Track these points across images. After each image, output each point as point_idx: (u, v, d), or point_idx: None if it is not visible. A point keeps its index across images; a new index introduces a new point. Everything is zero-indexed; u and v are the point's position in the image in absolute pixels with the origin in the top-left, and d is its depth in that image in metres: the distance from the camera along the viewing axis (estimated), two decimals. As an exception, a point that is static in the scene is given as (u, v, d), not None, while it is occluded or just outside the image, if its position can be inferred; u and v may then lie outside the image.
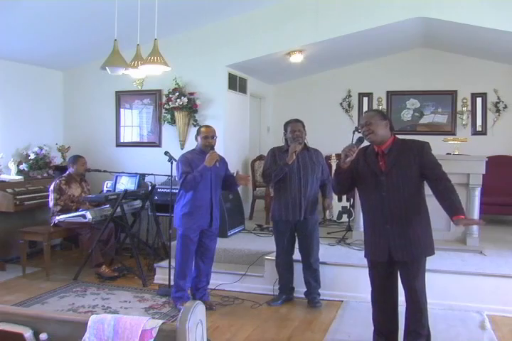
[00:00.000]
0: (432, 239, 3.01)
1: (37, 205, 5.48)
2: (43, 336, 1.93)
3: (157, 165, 5.45)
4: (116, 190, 5.55)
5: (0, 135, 5.67)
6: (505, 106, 6.97)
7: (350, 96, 7.55)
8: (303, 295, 4.25)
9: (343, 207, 6.27)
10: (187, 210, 3.94)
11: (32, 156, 5.81)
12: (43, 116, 6.27)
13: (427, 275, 3.06)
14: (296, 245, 4.21)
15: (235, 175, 4.14)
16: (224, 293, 4.44)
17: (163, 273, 4.76)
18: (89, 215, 4.94)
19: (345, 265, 4.44)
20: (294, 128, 4.07)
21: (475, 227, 4.84)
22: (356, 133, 5.42)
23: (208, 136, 3.96)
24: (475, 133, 7.10)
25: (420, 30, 6.04)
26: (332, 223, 6.19)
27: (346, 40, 5.73)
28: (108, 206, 5.17)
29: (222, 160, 4.04)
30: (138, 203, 5.57)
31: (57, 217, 5.08)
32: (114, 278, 4.90)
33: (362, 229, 5.08)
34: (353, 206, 5.77)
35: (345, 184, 3.11)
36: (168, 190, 4.96)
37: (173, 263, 4.31)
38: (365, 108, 7.49)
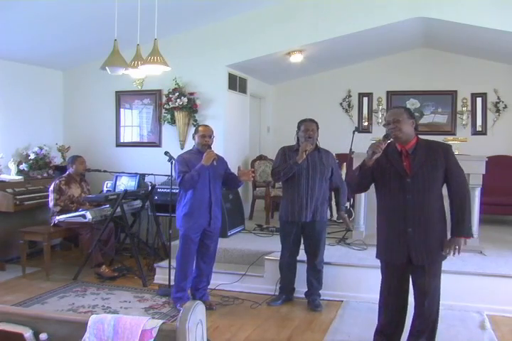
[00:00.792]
0: None
1: (37, 205, 5.48)
2: (43, 336, 1.93)
3: (157, 165, 5.45)
4: (116, 190, 5.56)
5: (0, 135, 5.67)
6: (505, 106, 6.97)
7: (350, 96, 7.55)
8: (303, 295, 4.24)
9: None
10: (187, 210, 3.94)
11: (32, 156, 5.81)
12: (43, 116, 6.27)
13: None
14: (301, 246, 4.20)
15: (236, 173, 4.14)
16: (224, 293, 4.44)
17: (163, 273, 4.76)
18: (89, 215, 4.94)
19: (345, 265, 4.44)
20: (308, 127, 4.02)
21: (475, 227, 4.83)
22: (356, 133, 5.47)
23: (205, 135, 3.96)
24: (475, 133, 7.10)
25: (420, 30, 6.04)
26: (332, 223, 6.18)
27: (346, 40, 5.73)
28: (108, 206, 5.17)
29: (221, 160, 4.04)
30: (138, 203, 5.57)
31: (57, 217, 5.08)
32: (114, 278, 4.90)
33: (362, 229, 5.16)
34: (353, 206, 5.77)
35: (365, 182, 3.04)
36: (168, 190, 4.97)
37: (173, 263, 4.32)
38: (365, 108, 7.51)
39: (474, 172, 4.67)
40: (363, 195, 5.00)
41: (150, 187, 5.41)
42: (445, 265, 4.25)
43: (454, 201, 2.91)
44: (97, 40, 5.35)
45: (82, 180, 5.45)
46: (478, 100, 7.11)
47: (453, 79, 7.11)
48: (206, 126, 4.11)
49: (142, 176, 5.64)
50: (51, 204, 5.15)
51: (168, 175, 4.66)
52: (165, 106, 5.99)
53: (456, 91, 7.17)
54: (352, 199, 5.79)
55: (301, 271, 4.23)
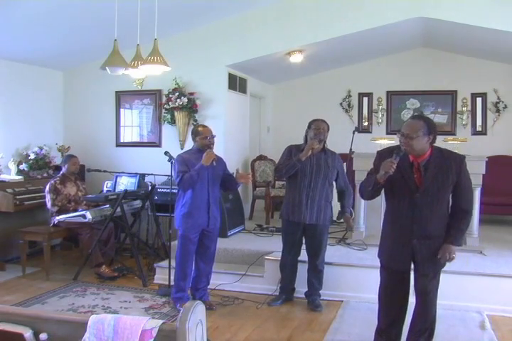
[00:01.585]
0: None
1: (37, 205, 5.48)
2: (43, 336, 1.93)
3: (157, 165, 5.45)
4: (116, 190, 5.55)
5: (0, 135, 5.67)
6: (505, 106, 6.97)
7: (350, 96, 7.55)
8: (303, 295, 4.24)
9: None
10: (185, 210, 3.94)
11: (32, 156, 5.81)
12: (43, 116, 6.27)
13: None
14: (303, 246, 4.19)
15: (235, 174, 4.13)
16: (224, 293, 4.44)
17: (163, 273, 4.76)
18: (89, 215, 4.94)
19: (345, 265, 4.44)
20: (319, 125, 4.01)
21: (475, 227, 4.85)
22: (356, 133, 5.46)
23: (208, 136, 3.97)
24: (475, 133, 7.10)
25: (420, 30, 6.04)
26: (332, 223, 6.16)
27: (346, 40, 5.73)
28: (108, 206, 5.17)
29: (219, 160, 4.04)
30: (138, 203, 5.57)
31: (57, 217, 5.08)
32: (114, 278, 4.90)
33: (362, 229, 5.16)
34: (353, 206, 5.75)
35: (376, 194, 3.03)
36: (168, 190, 4.96)
37: (173, 264, 4.31)
38: (365, 108, 7.50)
39: (474, 172, 4.64)
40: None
41: (150, 187, 5.41)
42: (446, 265, 4.27)
43: (457, 214, 2.89)
44: (97, 40, 5.34)
45: (76, 179, 5.46)
46: (478, 100, 7.11)
47: (453, 79, 7.11)
48: (205, 126, 4.10)
49: (142, 176, 5.64)
50: (49, 204, 5.16)
51: (168, 175, 4.66)
52: (165, 106, 5.99)
53: (456, 92, 7.17)
54: (352, 200, 5.77)
55: (302, 271, 4.23)
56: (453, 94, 7.18)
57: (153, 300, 4.33)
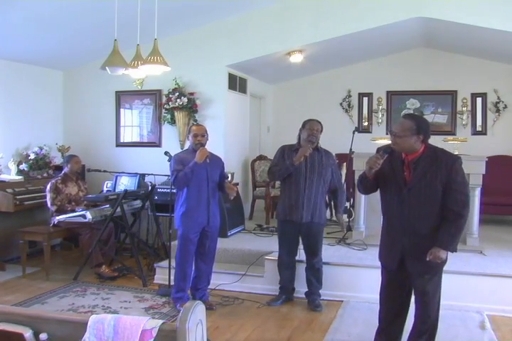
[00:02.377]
0: None
1: (37, 205, 5.48)
2: (43, 336, 1.93)
3: (157, 165, 5.46)
4: (116, 190, 5.55)
5: (0, 135, 5.67)
6: (505, 106, 6.97)
7: (350, 96, 7.55)
8: (303, 295, 4.24)
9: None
10: (184, 209, 3.95)
11: (32, 156, 5.80)
12: (43, 116, 6.27)
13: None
14: (300, 246, 4.19)
15: (228, 179, 4.15)
16: (224, 293, 4.44)
17: (163, 273, 4.76)
18: (89, 215, 4.94)
19: (345, 265, 4.44)
20: (313, 126, 4.01)
21: (475, 227, 4.85)
22: (356, 133, 5.46)
23: (198, 134, 3.97)
24: (475, 133, 7.10)
25: (420, 30, 6.04)
26: (332, 223, 6.17)
27: (346, 40, 5.73)
28: (108, 206, 5.17)
29: (218, 159, 4.08)
30: (138, 203, 5.57)
31: (57, 217, 5.07)
32: (114, 278, 4.90)
33: (362, 229, 5.16)
34: (353, 206, 5.76)
35: (372, 188, 3.04)
36: (168, 190, 4.96)
37: (173, 264, 4.31)
38: (365, 108, 7.50)
39: (474, 172, 4.67)
40: (363, 195, 5.00)
41: (150, 187, 5.41)
42: (445, 265, 4.26)
43: (447, 216, 2.82)
44: (97, 40, 5.35)
45: (78, 179, 5.46)
46: (478, 100, 7.11)
47: (453, 79, 7.11)
48: (199, 125, 4.17)
49: (142, 176, 5.64)
50: (49, 203, 5.16)
51: (168, 175, 4.66)
52: (165, 106, 5.99)
53: (456, 92, 7.17)
54: (352, 200, 5.79)
55: (301, 271, 4.23)
56: (453, 94, 7.18)
57: (153, 300, 4.33)
